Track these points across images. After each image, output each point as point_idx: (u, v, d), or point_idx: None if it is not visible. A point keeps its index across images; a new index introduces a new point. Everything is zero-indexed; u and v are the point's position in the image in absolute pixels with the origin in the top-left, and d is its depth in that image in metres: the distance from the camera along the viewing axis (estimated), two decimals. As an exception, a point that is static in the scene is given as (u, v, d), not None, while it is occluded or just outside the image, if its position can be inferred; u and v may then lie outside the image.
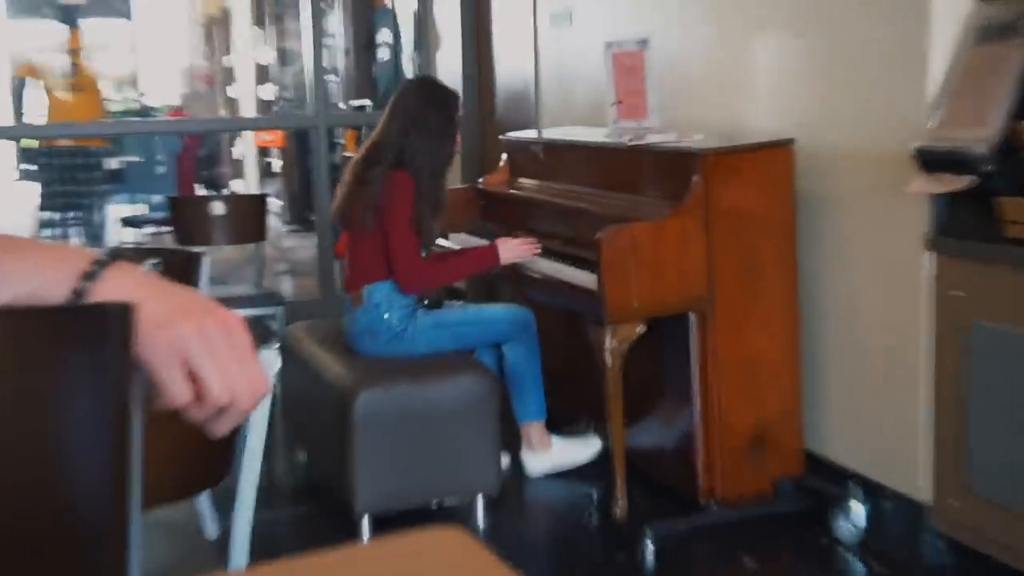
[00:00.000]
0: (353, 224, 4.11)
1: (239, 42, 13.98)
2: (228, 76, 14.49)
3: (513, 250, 4.21)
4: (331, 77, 10.52)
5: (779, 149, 3.90)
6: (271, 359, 1.65)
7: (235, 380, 1.08)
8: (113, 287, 1.08)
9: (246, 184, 13.61)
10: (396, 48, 8.87)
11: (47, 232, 9.80)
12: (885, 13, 3.63)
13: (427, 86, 4.26)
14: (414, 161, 4.05)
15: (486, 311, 4.31)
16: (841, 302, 3.95)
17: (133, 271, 1.11)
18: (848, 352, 3.94)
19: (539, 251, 4.22)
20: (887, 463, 3.80)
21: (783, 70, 4.13)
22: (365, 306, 4.07)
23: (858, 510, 3.77)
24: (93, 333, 1.07)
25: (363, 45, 10.20)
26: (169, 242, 8.20)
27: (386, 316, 4.06)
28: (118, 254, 1.12)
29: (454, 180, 6.11)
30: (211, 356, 1.08)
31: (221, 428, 1.11)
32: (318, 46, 6.85)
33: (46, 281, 1.08)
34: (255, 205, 5.97)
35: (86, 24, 16.34)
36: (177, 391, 1.08)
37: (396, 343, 4.08)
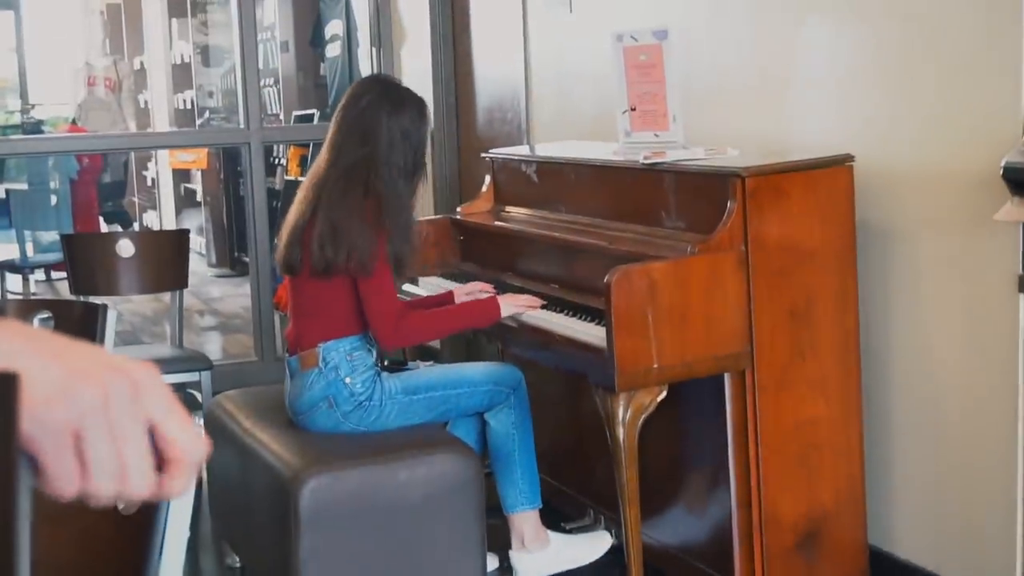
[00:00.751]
0: (303, 268, 4.12)
1: (151, 37, 14.02)
2: (137, 80, 14.52)
3: (516, 304, 4.26)
4: (268, 80, 10.54)
5: (835, 168, 3.92)
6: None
7: (131, 463, 1.08)
8: None
9: (161, 217, 13.60)
10: (349, 43, 8.90)
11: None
12: (965, -4, 3.66)
13: (384, 87, 4.28)
14: (380, 186, 4.08)
15: (466, 371, 4.32)
16: (914, 359, 3.95)
17: (9, 329, 1.11)
18: (924, 422, 3.94)
19: (543, 304, 4.27)
20: (975, 563, 3.79)
21: (839, 68, 4.15)
22: (320, 369, 4.08)
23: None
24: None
25: (308, 40, 10.24)
26: (64, 292, 8.18)
27: (347, 380, 4.07)
28: None
29: (425, 210, 6.13)
30: (107, 434, 1.07)
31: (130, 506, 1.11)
32: (251, 41, 6.87)
33: None
34: (172, 244, 5.97)
35: (-42, 17, 16.36)
36: (64, 480, 1.07)
37: (360, 414, 4.08)
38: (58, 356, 1.09)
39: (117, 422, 1.07)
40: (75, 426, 1.06)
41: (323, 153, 4.24)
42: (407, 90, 4.30)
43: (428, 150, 4.31)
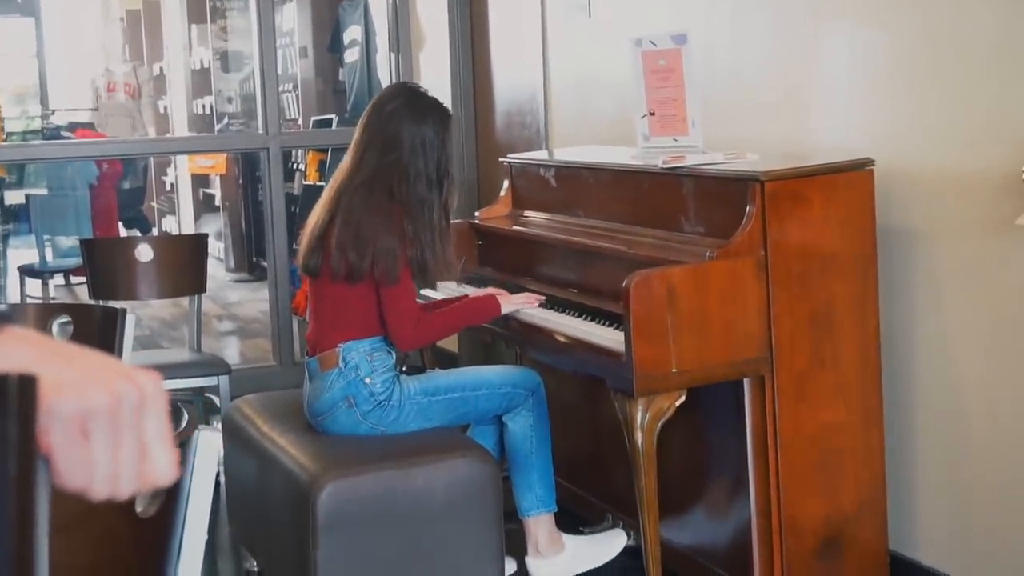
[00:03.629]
0: (323, 272, 4.14)
1: (171, 43, 14.05)
2: (157, 85, 14.56)
3: (514, 300, 4.34)
4: (286, 86, 10.54)
5: (856, 172, 3.91)
6: (212, 442, 1.64)
7: (123, 470, 1.11)
8: None
9: (179, 222, 13.62)
10: (368, 49, 8.91)
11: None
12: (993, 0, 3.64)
13: (409, 95, 4.29)
14: (403, 193, 4.11)
15: (484, 373, 4.33)
16: (936, 364, 3.93)
17: (22, 336, 1.12)
18: (947, 426, 3.92)
19: (543, 300, 4.32)
20: (999, 569, 3.76)
21: (860, 72, 4.13)
22: (341, 369, 4.09)
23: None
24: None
25: (326, 45, 10.24)
26: (84, 296, 8.19)
27: (367, 380, 4.09)
28: (2, 317, 1.15)
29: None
30: (111, 438, 1.10)
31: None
32: (270, 47, 6.87)
33: None
34: (191, 249, 5.97)
35: (-22, 25, 16.42)
36: (70, 472, 1.10)
37: (379, 414, 4.09)
38: (69, 361, 1.10)
39: (121, 428, 1.10)
40: (83, 422, 1.08)
41: (347, 157, 4.27)
42: (432, 100, 4.31)
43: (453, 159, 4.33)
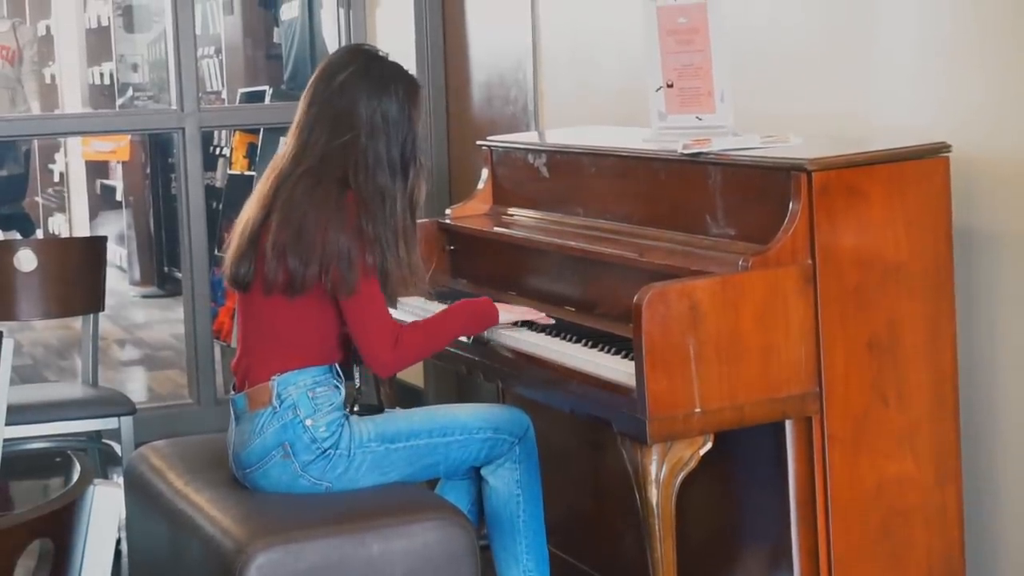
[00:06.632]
0: (256, 283, 4.11)
1: (61, -4, 14.06)
2: (42, 49, 14.55)
3: (515, 309, 4.35)
4: (207, 50, 10.53)
5: (927, 160, 3.92)
6: (111, 500, 1.63)
7: None
8: None
9: (71, 222, 13.59)
10: (310, 3, 8.92)
11: None
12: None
13: (366, 61, 4.28)
14: (359, 184, 4.08)
15: (458, 414, 4.32)
16: (1028, 403, 3.94)
17: None
18: (1040, 483, 3.93)
19: (551, 321, 4.32)
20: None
21: (932, 35, 4.14)
22: (275, 408, 4.08)
23: None
24: None
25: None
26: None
27: (308, 423, 4.07)
28: None
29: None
30: None
31: None
32: (186, 0, 6.87)
33: None
34: (85, 256, 5.95)
35: None
36: None
37: (323, 465, 4.07)
38: None
39: None
40: None
41: (289, 140, 4.24)
42: (396, 66, 4.30)
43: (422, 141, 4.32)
